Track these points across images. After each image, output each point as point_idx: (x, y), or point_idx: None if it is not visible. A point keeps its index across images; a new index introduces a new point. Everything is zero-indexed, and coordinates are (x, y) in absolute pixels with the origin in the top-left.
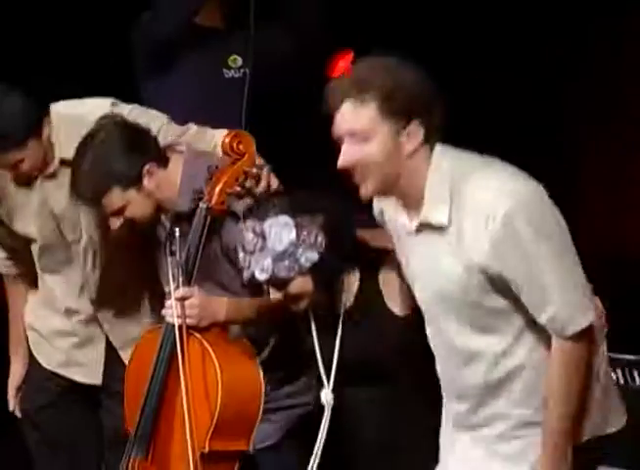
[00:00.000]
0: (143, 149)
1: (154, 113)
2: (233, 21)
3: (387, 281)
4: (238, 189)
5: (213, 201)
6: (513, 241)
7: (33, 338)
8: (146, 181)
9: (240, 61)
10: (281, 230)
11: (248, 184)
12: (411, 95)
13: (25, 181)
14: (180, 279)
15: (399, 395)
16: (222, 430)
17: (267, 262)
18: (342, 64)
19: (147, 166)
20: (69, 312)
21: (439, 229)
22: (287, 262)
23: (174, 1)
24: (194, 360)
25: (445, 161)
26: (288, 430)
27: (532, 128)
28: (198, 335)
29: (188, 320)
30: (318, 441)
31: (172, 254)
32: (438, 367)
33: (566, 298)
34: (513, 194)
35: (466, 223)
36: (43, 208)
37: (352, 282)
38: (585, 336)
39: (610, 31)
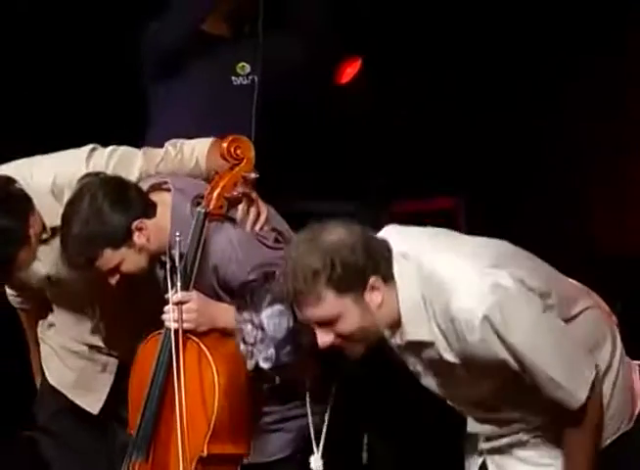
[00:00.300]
0: (129, 206)
1: (129, 151)
2: (241, 28)
3: None
4: (235, 194)
5: (211, 205)
6: (495, 343)
7: (45, 352)
8: (136, 237)
9: (248, 68)
10: (279, 319)
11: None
12: (355, 260)
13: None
14: (178, 284)
15: None
16: (220, 434)
17: (270, 352)
18: (350, 70)
19: (135, 223)
20: (81, 342)
21: (429, 343)
22: (289, 348)
23: (181, 10)
24: (191, 364)
25: (407, 275)
26: (301, 442)
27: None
28: (195, 339)
29: (185, 325)
30: None
31: (171, 258)
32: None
33: (559, 381)
34: (482, 297)
35: (449, 333)
36: (40, 270)
37: None
38: (590, 402)
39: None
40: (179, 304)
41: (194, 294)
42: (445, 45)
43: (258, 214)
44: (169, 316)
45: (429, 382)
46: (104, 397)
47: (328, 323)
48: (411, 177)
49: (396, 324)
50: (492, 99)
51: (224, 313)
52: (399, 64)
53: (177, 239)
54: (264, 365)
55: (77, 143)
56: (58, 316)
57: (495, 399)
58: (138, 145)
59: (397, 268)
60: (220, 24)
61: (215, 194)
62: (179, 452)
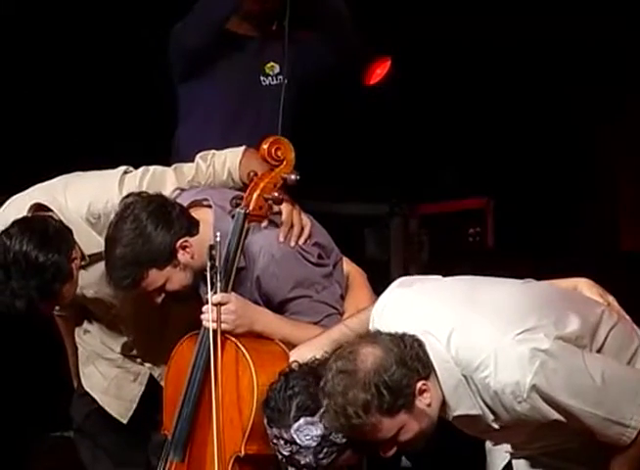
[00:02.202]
0: (172, 224)
1: (160, 171)
2: (268, 27)
3: None
4: (276, 195)
5: (251, 206)
6: (545, 407)
7: (81, 357)
8: (180, 255)
9: (277, 68)
10: (309, 431)
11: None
12: (397, 379)
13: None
14: (218, 285)
15: None
16: (258, 434)
17: (309, 459)
18: (380, 71)
19: (180, 241)
20: (115, 350)
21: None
22: (325, 450)
23: (203, 10)
24: (229, 364)
25: (443, 359)
26: None
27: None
28: (233, 339)
29: (223, 325)
30: None
31: (212, 258)
32: None
33: (607, 422)
34: (524, 366)
35: (496, 406)
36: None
37: None
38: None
39: None
40: (218, 305)
41: (233, 296)
42: (478, 45)
43: (302, 229)
44: (208, 316)
45: (469, 433)
46: (133, 406)
47: (389, 440)
48: (441, 177)
49: (443, 403)
50: (523, 100)
51: (262, 316)
52: (430, 64)
53: (217, 239)
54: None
55: (108, 145)
56: (94, 323)
57: (533, 436)
58: (167, 145)
59: (433, 355)
60: (247, 24)
61: (255, 195)
62: (215, 453)
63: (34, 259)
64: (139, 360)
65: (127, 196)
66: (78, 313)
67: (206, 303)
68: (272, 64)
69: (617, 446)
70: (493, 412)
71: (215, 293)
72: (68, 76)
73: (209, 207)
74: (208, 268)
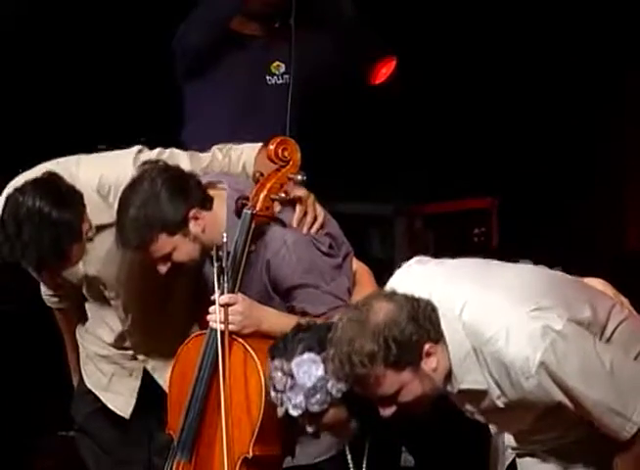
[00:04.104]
0: (187, 194)
1: (176, 153)
2: (272, 25)
3: None
4: (282, 195)
5: (258, 207)
6: (552, 386)
7: (83, 356)
8: (192, 225)
9: (283, 67)
10: (309, 368)
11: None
12: (407, 336)
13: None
14: (225, 285)
15: None
16: (266, 435)
17: (299, 399)
18: (385, 71)
19: (192, 211)
20: (113, 345)
21: (481, 391)
22: (318, 396)
23: (206, 9)
24: (236, 365)
25: (454, 329)
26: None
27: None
28: (241, 340)
29: (231, 326)
30: None
31: (218, 259)
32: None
33: (617, 409)
34: (535, 343)
35: (503, 381)
36: (80, 269)
37: None
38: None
39: None
40: (225, 306)
41: (239, 296)
42: (482, 46)
43: (315, 217)
44: (215, 317)
45: (473, 416)
46: (133, 401)
47: (389, 397)
48: (445, 178)
49: (449, 374)
50: (528, 100)
51: (269, 317)
52: (435, 64)
53: (224, 240)
54: (293, 413)
55: (112, 145)
56: (91, 314)
57: (535, 426)
58: (172, 144)
59: (445, 324)
60: (252, 24)
61: (262, 196)
62: (224, 454)
63: (47, 215)
64: (131, 353)
65: (144, 163)
66: (77, 310)
67: (214, 302)
68: (278, 63)
69: (617, 439)
70: (500, 387)
71: (222, 293)
72: (71, 76)
73: (224, 190)
74: (215, 269)
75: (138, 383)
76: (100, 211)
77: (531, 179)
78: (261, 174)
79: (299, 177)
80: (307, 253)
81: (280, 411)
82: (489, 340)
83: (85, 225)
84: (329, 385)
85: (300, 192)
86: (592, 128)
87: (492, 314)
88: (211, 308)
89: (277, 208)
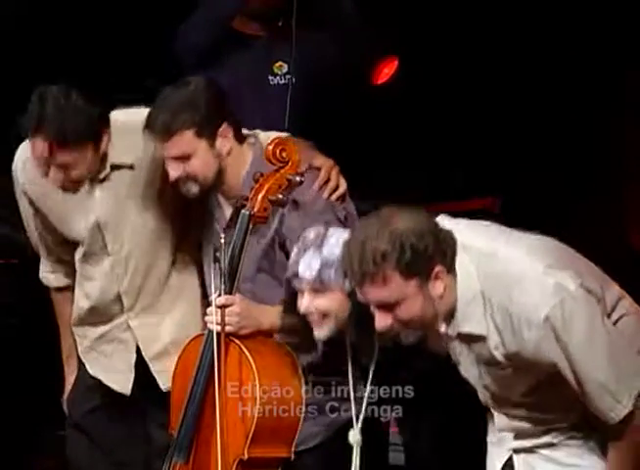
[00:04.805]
0: (226, 110)
1: None
2: (274, 24)
3: None
4: (280, 196)
5: (256, 208)
6: (551, 342)
7: (83, 347)
8: (219, 142)
9: (285, 68)
10: (338, 241)
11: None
12: (423, 247)
13: (72, 189)
14: (222, 287)
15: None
16: (261, 437)
17: (315, 262)
18: (387, 71)
19: (224, 126)
20: (107, 316)
21: (480, 337)
22: (332, 272)
23: (208, 11)
24: (232, 367)
25: (467, 268)
26: (330, 433)
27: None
28: (237, 341)
29: (227, 328)
30: None
31: (216, 260)
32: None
33: (607, 385)
34: (546, 295)
35: (505, 328)
36: (89, 215)
37: None
38: (632, 417)
39: None
40: (222, 307)
41: (237, 298)
42: (483, 46)
43: (337, 186)
44: (212, 319)
45: (467, 372)
46: (132, 376)
47: (389, 306)
48: (446, 178)
49: (451, 315)
50: (530, 100)
51: (268, 315)
52: (437, 64)
53: (222, 241)
54: (303, 273)
55: None
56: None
57: (528, 398)
58: None
59: (459, 260)
60: (254, 24)
61: (260, 196)
62: (224, 454)
63: (76, 98)
64: (124, 319)
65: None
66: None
67: (211, 303)
68: (280, 63)
69: (606, 422)
70: (500, 335)
71: (219, 295)
72: (71, 76)
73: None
74: (212, 270)
75: (133, 356)
76: (124, 151)
77: (532, 179)
78: (260, 175)
79: (298, 178)
80: (324, 212)
81: (292, 268)
82: (502, 283)
83: (105, 137)
84: (342, 271)
85: (326, 162)
86: (592, 128)
87: (507, 263)
88: (209, 310)
89: None
